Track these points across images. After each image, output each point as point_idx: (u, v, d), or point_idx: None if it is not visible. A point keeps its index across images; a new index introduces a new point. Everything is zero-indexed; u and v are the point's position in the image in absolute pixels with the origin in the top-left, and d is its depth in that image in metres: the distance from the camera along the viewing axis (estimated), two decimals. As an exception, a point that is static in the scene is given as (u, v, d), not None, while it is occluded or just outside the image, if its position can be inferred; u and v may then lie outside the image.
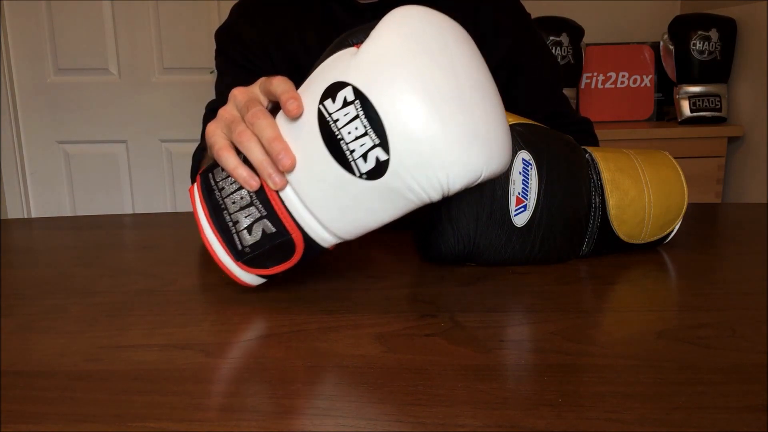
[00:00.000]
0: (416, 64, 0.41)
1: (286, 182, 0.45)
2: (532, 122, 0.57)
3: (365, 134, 0.41)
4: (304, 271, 0.57)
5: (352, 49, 0.44)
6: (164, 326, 0.45)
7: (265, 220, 0.46)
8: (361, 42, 0.44)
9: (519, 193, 0.54)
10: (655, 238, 0.61)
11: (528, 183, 0.54)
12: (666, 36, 1.83)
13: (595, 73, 1.96)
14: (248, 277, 0.49)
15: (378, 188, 0.43)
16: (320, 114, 0.43)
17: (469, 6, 0.85)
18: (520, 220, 0.54)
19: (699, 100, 1.77)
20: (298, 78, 0.90)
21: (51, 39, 1.98)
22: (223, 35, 0.91)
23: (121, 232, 0.78)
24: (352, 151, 0.42)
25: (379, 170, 0.42)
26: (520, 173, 0.54)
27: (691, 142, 1.73)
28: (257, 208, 0.46)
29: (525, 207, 0.54)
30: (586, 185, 0.57)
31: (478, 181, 0.43)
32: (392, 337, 0.42)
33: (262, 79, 0.50)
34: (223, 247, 0.47)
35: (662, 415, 0.31)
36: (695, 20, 1.78)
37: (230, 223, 0.47)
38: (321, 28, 0.88)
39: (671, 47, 1.81)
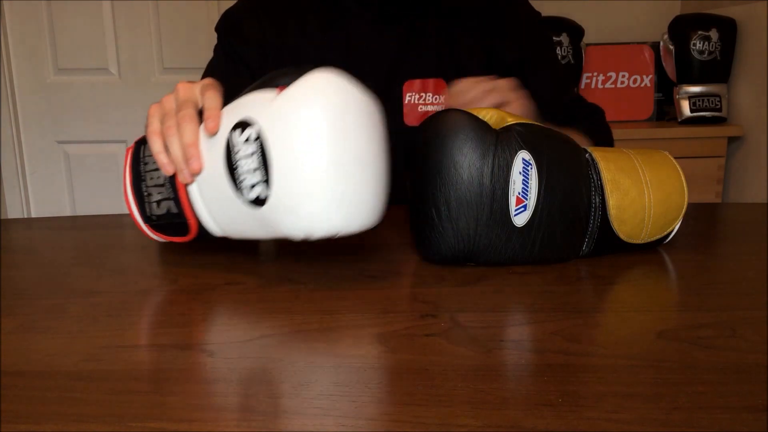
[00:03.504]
0: (313, 130, 0.48)
1: (193, 180, 0.54)
2: (532, 122, 0.57)
3: (256, 170, 0.49)
4: (304, 270, 0.57)
5: (273, 93, 0.51)
6: (164, 326, 0.45)
7: (171, 202, 0.56)
8: (285, 86, 0.51)
9: (519, 193, 0.54)
10: (655, 238, 0.61)
11: (528, 183, 0.54)
12: (666, 36, 1.83)
13: (595, 73, 1.96)
14: (154, 236, 0.60)
15: (256, 214, 0.51)
16: (228, 140, 0.51)
17: (484, 5, 0.89)
18: (520, 220, 0.54)
19: (699, 100, 1.77)
20: None
21: (51, 39, 1.98)
22: (226, 21, 0.93)
23: (121, 232, 0.78)
24: (243, 180, 0.50)
25: (259, 202, 0.50)
26: (520, 173, 0.54)
27: (691, 142, 1.73)
28: (167, 190, 0.56)
29: (525, 207, 0.54)
30: (586, 185, 0.57)
31: (338, 235, 0.51)
32: (392, 337, 0.42)
33: (206, 82, 0.58)
34: (137, 208, 0.58)
35: (662, 415, 0.31)
36: (695, 20, 1.78)
37: (145, 193, 0.57)
38: (326, 18, 0.89)
39: (671, 47, 1.81)
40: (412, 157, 0.57)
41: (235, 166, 0.50)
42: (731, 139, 1.77)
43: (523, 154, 0.54)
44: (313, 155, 0.48)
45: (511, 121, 0.56)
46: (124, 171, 0.59)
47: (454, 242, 0.55)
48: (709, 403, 0.33)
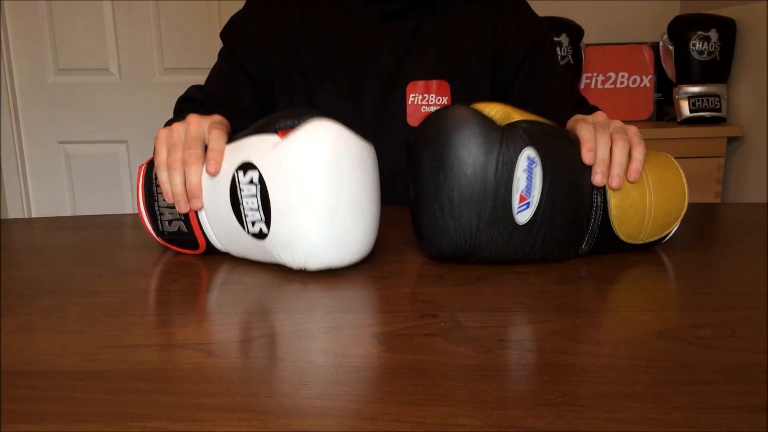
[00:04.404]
0: (309, 179, 0.52)
1: (188, 211, 0.60)
2: (539, 119, 0.57)
3: (258, 209, 0.54)
4: (303, 270, 0.57)
5: (275, 138, 0.55)
6: (164, 326, 0.45)
7: (182, 222, 0.62)
8: (285, 129, 0.55)
9: (522, 191, 0.54)
10: (654, 239, 0.61)
11: (532, 180, 0.54)
12: (665, 36, 1.83)
13: (595, 74, 1.96)
14: (165, 245, 0.65)
15: (258, 245, 0.56)
16: (233, 179, 0.56)
17: (490, 13, 0.90)
18: (522, 217, 0.54)
19: (698, 101, 1.77)
20: (298, 72, 0.92)
21: (51, 39, 1.98)
22: (229, 28, 0.93)
23: (121, 232, 0.78)
24: (246, 216, 0.55)
25: (260, 236, 0.55)
26: (524, 171, 0.53)
27: (691, 142, 1.73)
28: (178, 212, 0.61)
29: (528, 204, 0.54)
30: (588, 184, 0.57)
31: (331, 268, 0.55)
32: (392, 337, 0.42)
33: (215, 119, 0.63)
34: (150, 223, 0.64)
35: (662, 415, 0.31)
36: (695, 20, 1.78)
37: (157, 212, 0.63)
38: (330, 21, 0.89)
39: (671, 47, 1.81)
40: (414, 151, 0.57)
41: (239, 202, 0.55)
42: (731, 140, 1.77)
43: (528, 152, 0.53)
44: (308, 201, 0.52)
45: (516, 117, 0.56)
46: (137, 187, 0.64)
47: (456, 238, 0.55)
48: (708, 403, 0.33)
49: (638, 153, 0.58)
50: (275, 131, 0.56)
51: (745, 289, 0.51)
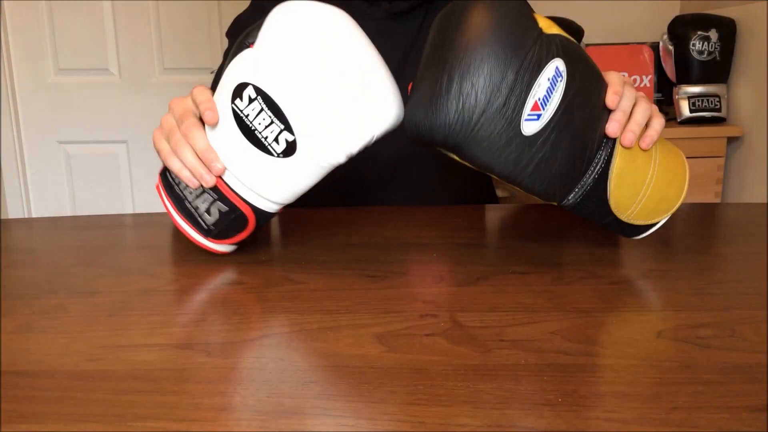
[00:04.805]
0: (300, 57, 0.49)
1: (215, 179, 0.55)
2: (578, 44, 0.54)
3: (272, 122, 0.51)
4: (304, 270, 0.57)
5: (249, 51, 0.52)
6: (164, 326, 0.45)
7: (218, 202, 0.56)
8: (254, 41, 0.52)
9: (539, 99, 0.50)
10: (639, 222, 0.58)
11: (552, 94, 0.50)
12: (665, 36, 1.83)
13: (595, 74, 1.96)
14: (221, 247, 0.60)
15: (295, 162, 0.52)
16: (234, 112, 0.52)
17: None
18: (528, 127, 0.50)
19: (698, 101, 1.77)
20: None
21: (51, 39, 1.98)
22: (234, 27, 0.94)
23: (121, 232, 0.78)
24: (266, 138, 0.52)
25: (290, 149, 0.51)
26: (548, 79, 0.50)
27: (691, 142, 1.73)
28: (209, 194, 0.56)
29: (539, 117, 0.50)
30: (601, 130, 0.54)
31: (374, 139, 0.53)
32: (392, 337, 0.42)
33: (193, 88, 0.60)
34: (193, 229, 0.58)
35: (662, 415, 0.31)
36: (695, 20, 1.78)
37: (192, 209, 0.57)
38: None
39: (671, 47, 1.81)
40: (442, 21, 0.53)
41: (253, 131, 0.52)
42: (731, 140, 1.77)
43: (558, 63, 0.50)
44: (310, 81, 0.49)
45: (557, 31, 0.53)
46: (164, 205, 0.59)
47: (453, 121, 0.49)
48: (708, 403, 0.33)
49: (657, 124, 0.57)
50: (246, 47, 0.53)
51: (745, 289, 0.51)
